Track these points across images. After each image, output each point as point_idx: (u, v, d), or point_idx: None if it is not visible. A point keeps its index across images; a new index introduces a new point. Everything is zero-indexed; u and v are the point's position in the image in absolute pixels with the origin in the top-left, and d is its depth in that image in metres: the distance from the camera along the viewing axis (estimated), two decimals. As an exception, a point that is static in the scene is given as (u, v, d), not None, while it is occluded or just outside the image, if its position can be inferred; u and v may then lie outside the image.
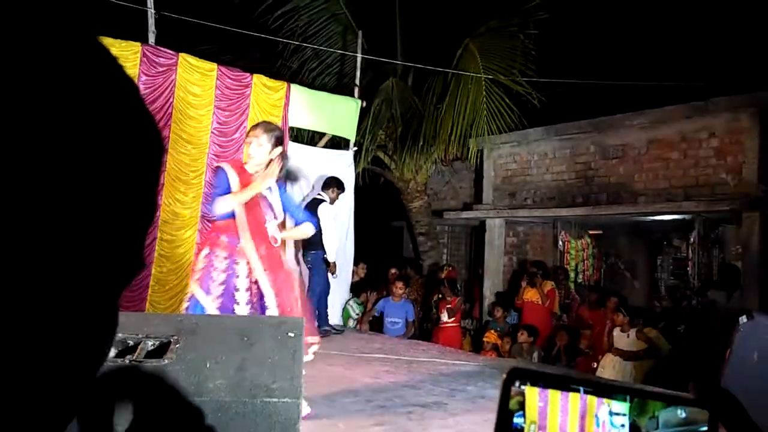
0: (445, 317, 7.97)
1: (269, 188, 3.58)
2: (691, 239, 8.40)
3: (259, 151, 3.47)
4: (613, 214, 8.39)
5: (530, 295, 8.22)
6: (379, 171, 10.75)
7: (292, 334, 1.89)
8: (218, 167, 3.61)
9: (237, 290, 3.39)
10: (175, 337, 1.81)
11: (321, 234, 6.70)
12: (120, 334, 1.95)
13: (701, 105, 7.60)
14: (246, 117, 7.25)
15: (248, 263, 3.40)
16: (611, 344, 7.10)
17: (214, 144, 7.00)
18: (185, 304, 3.40)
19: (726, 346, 4.44)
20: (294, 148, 7.60)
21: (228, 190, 3.41)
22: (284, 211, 3.74)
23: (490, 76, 8.55)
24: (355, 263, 8.16)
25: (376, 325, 7.98)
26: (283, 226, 3.80)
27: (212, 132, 6.99)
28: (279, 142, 3.58)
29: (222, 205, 3.37)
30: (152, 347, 1.81)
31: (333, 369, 4.78)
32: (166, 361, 1.69)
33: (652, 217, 8.47)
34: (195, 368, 1.66)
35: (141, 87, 6.45)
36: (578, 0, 9.55)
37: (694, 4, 9.27)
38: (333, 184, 6.99)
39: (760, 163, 7.13)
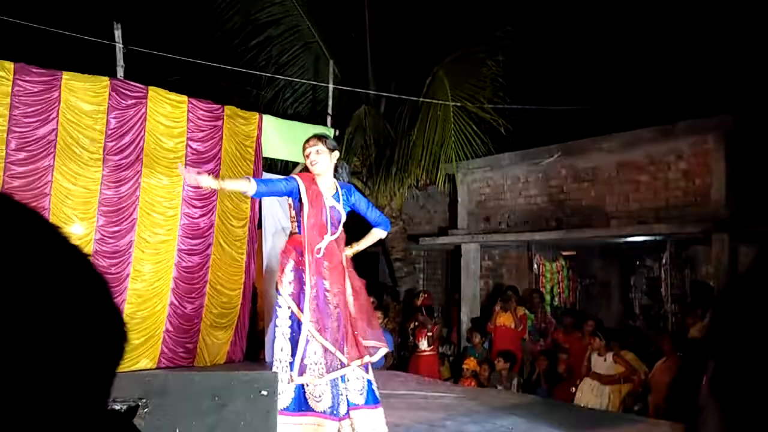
0: (423, 345, 7.94)
1: (336, 197, 3.97)
2: (663, 260, 8.52)
3: (320, 156, 3.89)
4: (585, 237, 8.47)
5: (503, 319, 8.22)
6: (353, 197, 10.74)
7: (264, 392, 1.86)
8: (290, 177, 4.03)
9: (327, 299, 3.76)
10: (144, 400, 1.77)
11: None
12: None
13: (667, 128, 7.75)
14: (220, 148, 7.22)
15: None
16: (589, 368, 7.13)
17: (189, 175, 6.96)
18: (287, 321, 3.69)
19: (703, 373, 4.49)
20: (268, 177, 7.58)
21: (296, 193, 3.84)
22: (361, 214, 4.19)
23: (457, 104, 8.63)
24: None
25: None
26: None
27: (187, 163, 6.93)
28: (335, 147, 4.06)
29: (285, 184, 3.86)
30: (119, 411, 1.76)
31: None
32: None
33: (624, 239, 8.56)
34: (164, 436, 1.62)
35: (111, 121, 6.40)
36: (546, 26, 9.72)
37: (657, 29, 9.50)
38: None
39: (728, 185, 7.27)
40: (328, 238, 3.87)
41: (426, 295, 9.22)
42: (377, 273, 12.10)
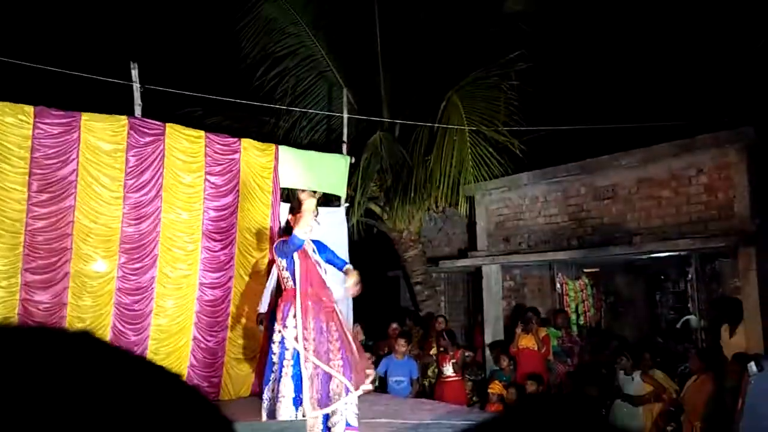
0: (448, 371, 7.84)
1: (314, 250, 4.76)
2: (689, 275, 8.38)
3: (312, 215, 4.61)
4: (608, 255, 8.36)
5: (525, 342, 8.09)
6: (372, 222, 10.73)
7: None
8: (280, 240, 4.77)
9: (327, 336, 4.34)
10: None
11: None
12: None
13: (687, 142, 7.66)
14: (237, 180, 7.25)
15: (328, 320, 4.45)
16: (618, 389, 6.99)
17: (209, 209, 6.98)
18: (290, 361, 4.24)
19: (737, 395, 4.38)
20: (286, 208, 7.59)
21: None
22: (327, 262, 4.85)
23: (472, 128, 8.62)
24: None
25: (381, 385, 7.82)
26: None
27: (205, 198, 6.98)
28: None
29: (300, 233, 4.40)
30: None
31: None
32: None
33: (648, 255, 8.44)
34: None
35: (130, 159, 6.45)
36: (560, 44, 9.71)
37: (674, 42, 9.45)
38: None
39: (751, 197, 7.16)
40: (319, 285, 4.55)
41: (441, 320, 9.12)
42: (398, 297, 12.04)
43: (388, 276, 12.15)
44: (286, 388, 4.06)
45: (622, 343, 7.88)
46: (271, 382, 4.25)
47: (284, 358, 4.20)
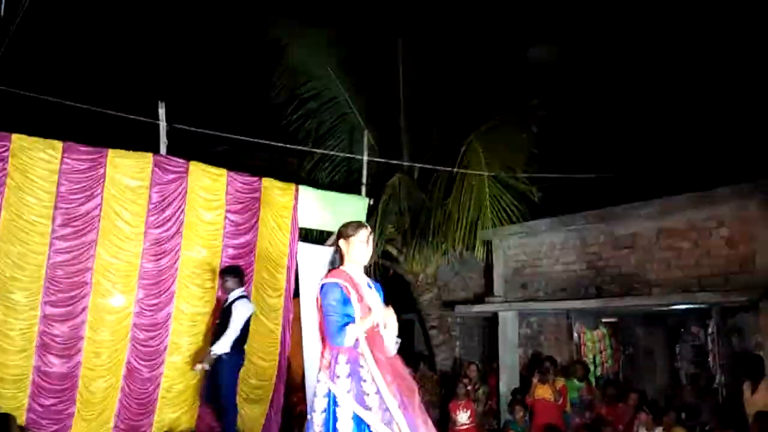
0: (462, 419, 7.70)
1: (369, 285, 3.75)
2: (710, 329, 8.23)
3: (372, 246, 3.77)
4: (627, 306, 8.26)
5: (542, 392, 7.93)
6: (388, 264, 10.72)
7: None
8: (333, 284, 3.55)
9: (366, 394, 3.40)
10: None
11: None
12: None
13: (707, 194, 7.61)
14: (257, 219, 7.29)
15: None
16: (637, 445, 6.83)
17: (228, 247, 7.02)
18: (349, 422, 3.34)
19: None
20: (303, 248, 7.64)
21: (351, 315, 3.49)
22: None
23: (492, 174, 8.65)
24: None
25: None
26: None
27: (225, 235, 7.02)
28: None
29: (351, 336, 3.42)
30: None
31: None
32: None
33: (668, 307, 8.33)
34: None
35: (153, 196, 6.54)
36: (581, 93, 9.80)
37: (696, 93, 9.49)
38: None
39: (774, 252, 7.06)
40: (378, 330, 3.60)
41: (473, 367, 9.09)
42: (412, 341, 11.94)
43: (402, 319, 12.05)
44: None
45: (641, 397, 7.73)
46: None
47: (336, 419, 3.38)
